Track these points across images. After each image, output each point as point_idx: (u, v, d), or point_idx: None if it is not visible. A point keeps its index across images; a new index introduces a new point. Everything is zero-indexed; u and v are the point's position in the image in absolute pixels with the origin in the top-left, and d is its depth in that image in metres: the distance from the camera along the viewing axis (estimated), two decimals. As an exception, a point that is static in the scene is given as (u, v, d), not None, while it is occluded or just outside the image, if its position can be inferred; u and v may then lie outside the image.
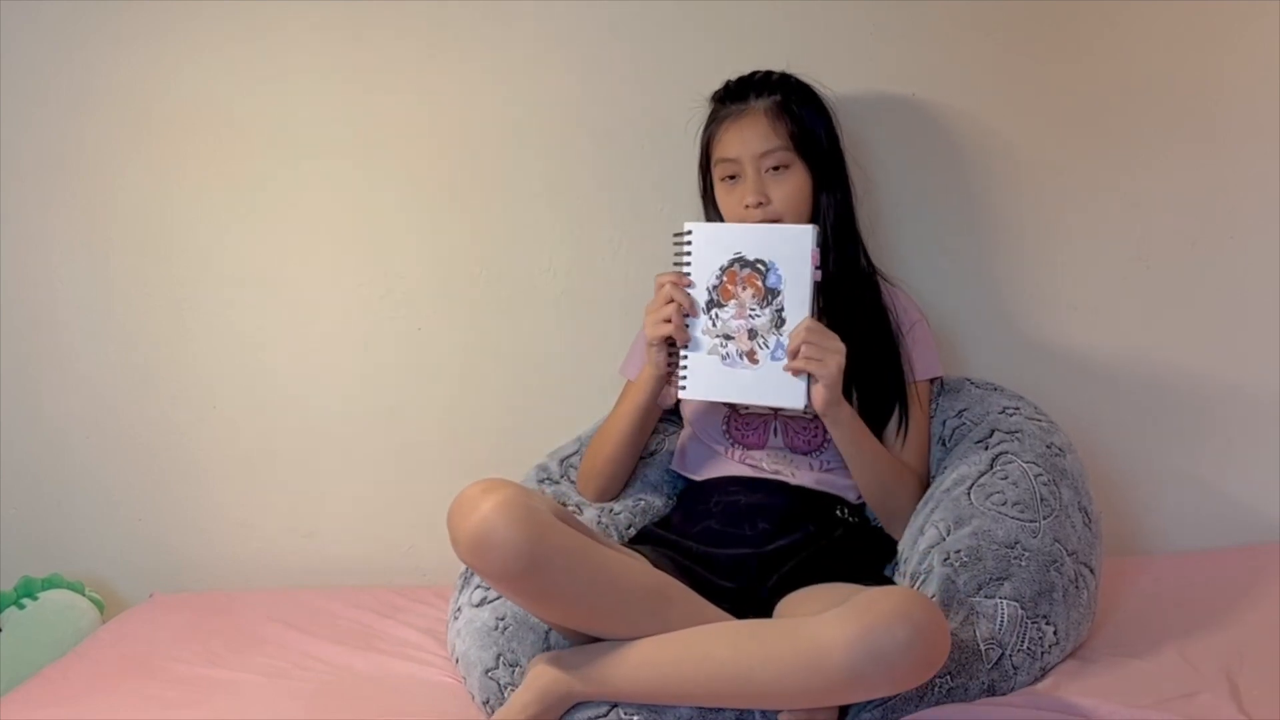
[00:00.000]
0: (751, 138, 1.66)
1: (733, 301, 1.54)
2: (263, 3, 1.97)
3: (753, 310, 1.54)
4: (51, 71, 2.01)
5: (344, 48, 1.98)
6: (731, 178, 1.68)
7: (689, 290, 1.57)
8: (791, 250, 1.52)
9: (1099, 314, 1.96)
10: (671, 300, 1.57)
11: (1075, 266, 1.96)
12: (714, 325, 1.56)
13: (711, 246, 1.55)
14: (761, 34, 1.92)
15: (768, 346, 1.54)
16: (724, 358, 1.56)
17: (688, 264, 1.57)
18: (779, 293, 1.53)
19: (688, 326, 1.57)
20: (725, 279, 1.54)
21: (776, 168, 1.66)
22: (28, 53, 2.00)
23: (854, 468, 1.62)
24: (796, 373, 1.52)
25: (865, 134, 1.89)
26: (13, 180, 2.04)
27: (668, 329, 1.57)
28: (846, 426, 1.57)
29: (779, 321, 1.53)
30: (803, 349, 1.50)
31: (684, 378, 1.58)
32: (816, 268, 1.52)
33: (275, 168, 2.02)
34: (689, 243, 1.57)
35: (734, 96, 1.71)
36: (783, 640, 1.33)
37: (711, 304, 1.56)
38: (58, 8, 1.99)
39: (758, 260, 1.53)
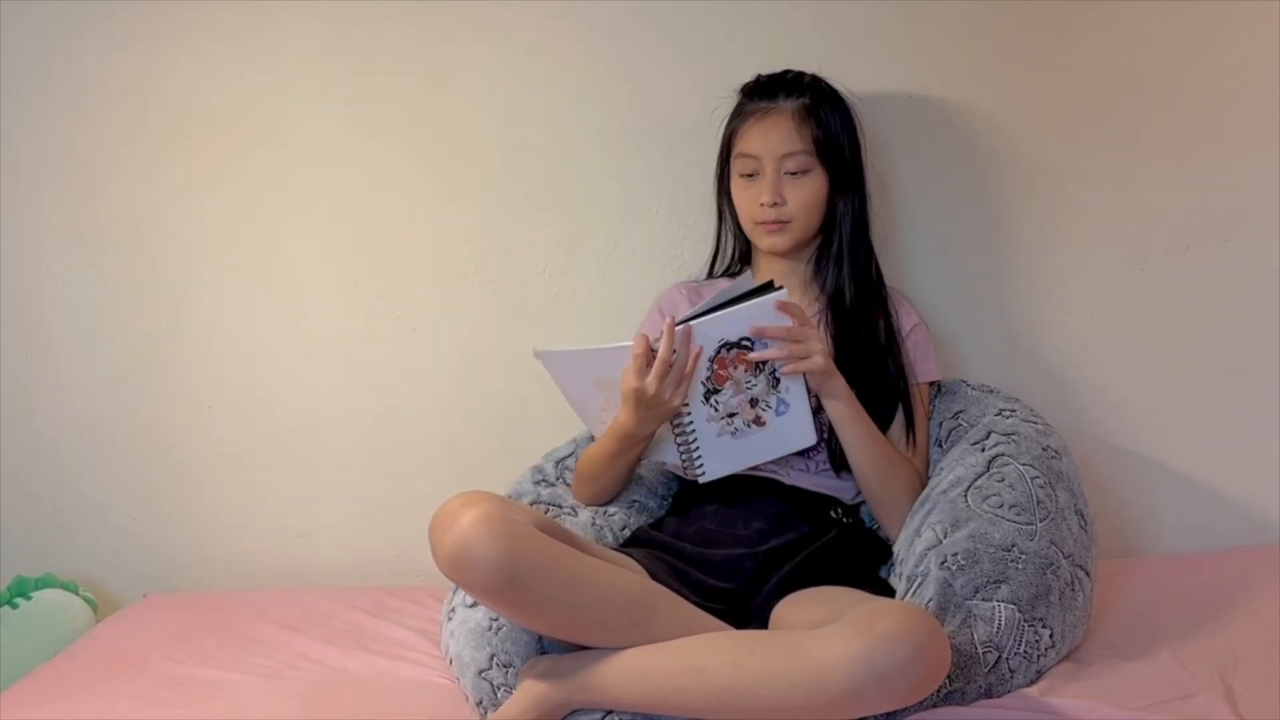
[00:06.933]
0: (775, 138, 1.66)
1: (729, 384, 1.54)
2: (258, 2, 1.96)
3: (749, 383, 1.54)
4: (46, 70, 2.00)
5: (339, 46, 1.98)
6: (750, 175, 1.68)
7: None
8: (768, 316, 1.51)
9: (1094, 316, 1.97)
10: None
11: (1070, 269, 1.96)
12: (716, 410, 1.55)
13: (696, 344, 1.51)
14: (761, 35, 1.92)
15: (771, 406, 1.56)
16: (734, 433, 1.57)
17: None
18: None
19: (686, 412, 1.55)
20: (716, 367, 1.53)
21: (796, 171, 1.66)
22: (22, 51, 1.99)
23: (849, 447, 1.62)
24: (790, 374, 1.53)
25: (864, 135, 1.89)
26: (6, 179, 2.03)
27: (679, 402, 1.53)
28: (843, 400, 1.58)
29: (774, 382, 1.55)
30: (788, 352, 1.51)
31: (700, 465, 1.57)
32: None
33: (270, 167, 2.01)
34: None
35: (763, 93, 1.70)
36: (782, 657, 1.32)
37: (709, 393, 1.55)
38: (53, 6, 1.98)
39: (742, 339, 1.52)
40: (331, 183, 2.02)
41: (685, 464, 1.58)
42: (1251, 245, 1.93)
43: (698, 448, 1.57)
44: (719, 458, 1.58)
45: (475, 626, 1.55)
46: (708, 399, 1.54)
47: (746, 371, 1.54)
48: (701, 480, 1.59)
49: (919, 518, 1.60)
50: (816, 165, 1.67)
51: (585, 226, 2.00)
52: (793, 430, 1.57)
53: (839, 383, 1.58)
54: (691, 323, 1.51)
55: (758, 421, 1.56)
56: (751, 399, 1.55)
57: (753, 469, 1.68)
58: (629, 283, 1.99)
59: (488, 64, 1.97)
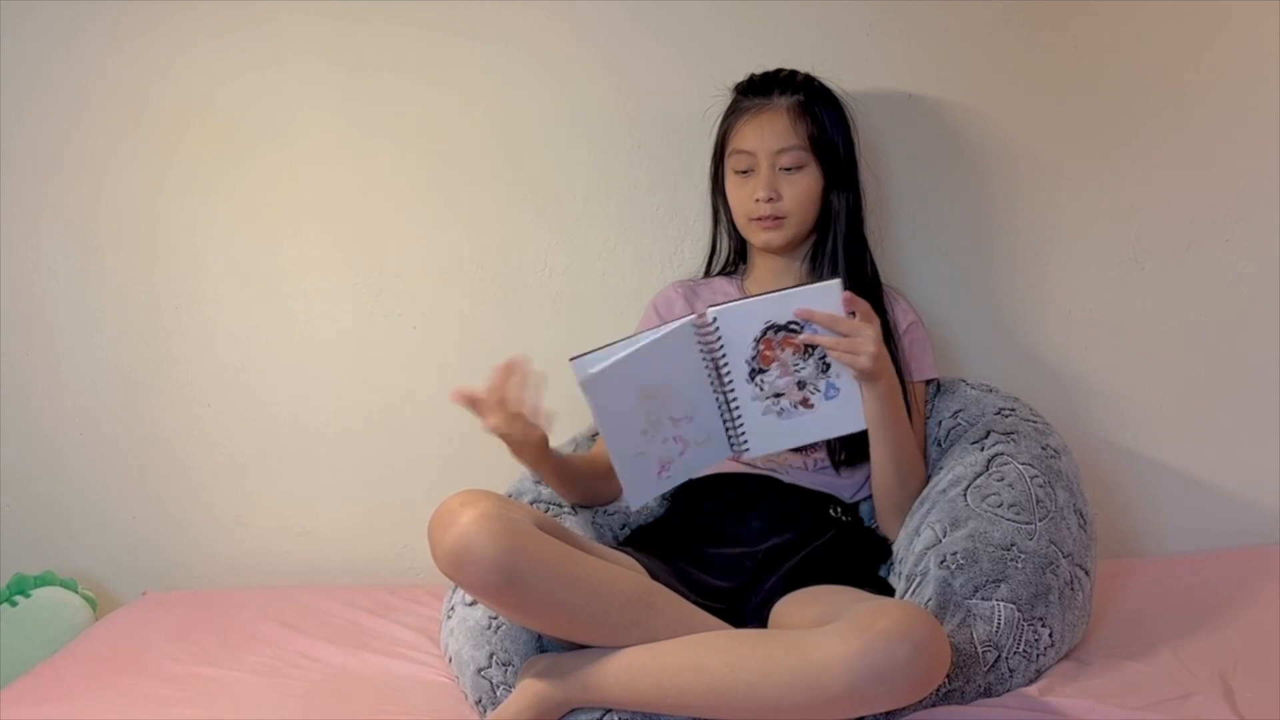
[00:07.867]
0: (770, 134, 1.66)
1: (775, 365, 1.52)
2: (258, 0, 1.97)
3: (797, 365, 1.52)
4: (44, 68, 2.00)
5: (338, 44, 1.98)
6: (745, 172, 1.69)
7: (727, 365, 1.52)
8: (818, 302, 1.49)
9: (1094, 315, 1.96)
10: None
11: (1071, 269, 1.96)
12: (761, 390, 1.53)
13: (740, 325, 1.50)
14: (759, 35, 1.91)
15: (820, 390, 1.54)
16: (780, 413, 1.54)
17: (720, 349, 1.51)
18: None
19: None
20: (762, 347, 1.51)
21: (790, 167, 1.66)
22: (22, 48, 2.00)
23: (878, 448, 1.58)
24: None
25: (860, 133, 1.89)
26: (6, 178, 2.03)
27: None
28: (882, 400, 1.54)
29: (824, 366, 1.52)
30: (834, 341, 1.48)
31: (744, 440, 1.55)
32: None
33: (270, 165, 2.01)
34: (717, 330, 1.50)
35: (757, 90, 1.71)
36: (782, 656, 1.32)
37: (754, 372, 1.52)
38: (52, 4, 1.98)
39: (790, 323, 1.50)
40: (332, 181, 2.02)
41: (730, 437, 1.56)
42: (1251, 245, 1.93)
43: (741, 422, 1.54)
44: (764, 436, 1.55)
45: (475, 625, 1.55)
46: (753, 378, 1.52)
47: (795, 354, 1.52)
48: (745, 456, 1.57)
49: (918, 516, 1.60)
50: (811, 161, 1.67)
51: (585, 226, 2.00)
52: (841, 415, 1.55)
53: (883, 385, 1.53)
54: (738, 302, 1.50)
55: (805, 404, 1.54)
56: (799, 381, 1.53)
57: (751, 467, 1.68)
58: (629, 283, 1.99)
59: (488, 62, 1.97)
